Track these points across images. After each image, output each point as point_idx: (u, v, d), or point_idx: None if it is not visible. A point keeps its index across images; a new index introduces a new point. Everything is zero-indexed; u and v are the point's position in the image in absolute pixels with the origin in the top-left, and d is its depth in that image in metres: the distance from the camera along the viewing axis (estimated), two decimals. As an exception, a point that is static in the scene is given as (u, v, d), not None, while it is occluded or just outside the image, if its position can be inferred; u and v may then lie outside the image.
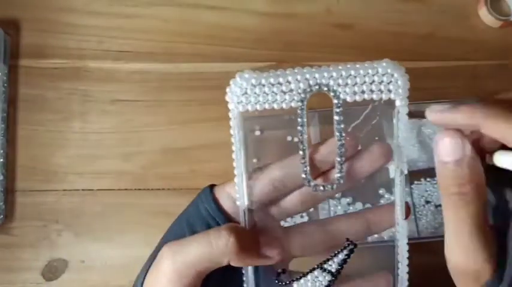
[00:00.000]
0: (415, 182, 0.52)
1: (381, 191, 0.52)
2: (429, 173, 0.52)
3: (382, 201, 0.51)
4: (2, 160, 0.51)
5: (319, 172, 0.24)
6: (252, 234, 0.24)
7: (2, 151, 0.51)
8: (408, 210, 0.23)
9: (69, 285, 0.50)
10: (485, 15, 0.57)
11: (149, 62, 0.54)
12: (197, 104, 0.54)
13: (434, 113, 0.22)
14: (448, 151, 0.21)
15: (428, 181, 0.52)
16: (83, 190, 0.52)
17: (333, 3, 0.57)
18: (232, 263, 0.23)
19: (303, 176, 0.22)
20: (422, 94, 0.55)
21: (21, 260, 0.50)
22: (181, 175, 0.52)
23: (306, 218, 0.50)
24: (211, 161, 0.52)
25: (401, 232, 0.23)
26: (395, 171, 0.22)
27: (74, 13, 0.55)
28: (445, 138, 0.21)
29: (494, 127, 0.20)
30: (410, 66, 0.56)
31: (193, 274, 0.23)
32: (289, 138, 0.48)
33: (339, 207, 0.50)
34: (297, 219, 0.50)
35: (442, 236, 0.41)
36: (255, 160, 0.48)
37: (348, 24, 0.57)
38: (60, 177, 0.52)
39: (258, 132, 0.50)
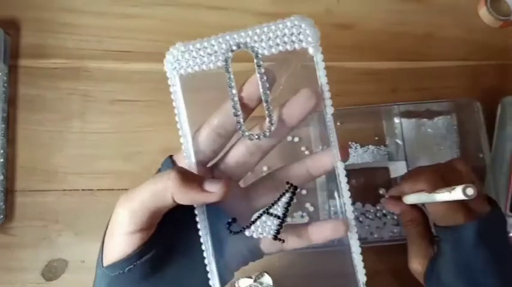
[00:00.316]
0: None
1: (381, 191, 0.52)
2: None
3: (382, 201, 0.51)
4: (2, 160, 0.51)
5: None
6: (197, 175, 0.25)
7: (2, 151, 0.51)
8: (345, 151, 0.25)
9: (69, 285, 0.50)
10: (485, 15, 0.57)
11: (149, 62, 0.54)
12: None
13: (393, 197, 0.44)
14: (395, 210, 0.44)
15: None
16: (83, 190, 0.52)
17: (333, 3, 0.58)
18: (177, 199, 0.23)
19: (237, 127, 0.24)
20: (422, 94, 0.55)
21: (21, 260, 0.50)
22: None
23: (306, 219, 0.50)
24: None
25: (341, 174, 0.24)
26: (325, 115, 0.24)
27: (73, 13, 0.56)
28: (388, 205, 0.44)
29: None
30: (410, 66, 0.57)
31: (144, 214, 0.23)
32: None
33: (339, 207, 0.50)
34: (298, 219, 0.50)
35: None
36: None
37: (348, 24, 0.57)
38: (60, 177, 0.52)
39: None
